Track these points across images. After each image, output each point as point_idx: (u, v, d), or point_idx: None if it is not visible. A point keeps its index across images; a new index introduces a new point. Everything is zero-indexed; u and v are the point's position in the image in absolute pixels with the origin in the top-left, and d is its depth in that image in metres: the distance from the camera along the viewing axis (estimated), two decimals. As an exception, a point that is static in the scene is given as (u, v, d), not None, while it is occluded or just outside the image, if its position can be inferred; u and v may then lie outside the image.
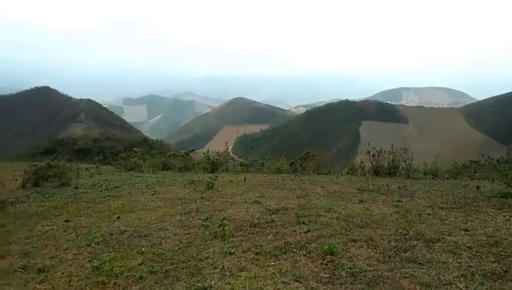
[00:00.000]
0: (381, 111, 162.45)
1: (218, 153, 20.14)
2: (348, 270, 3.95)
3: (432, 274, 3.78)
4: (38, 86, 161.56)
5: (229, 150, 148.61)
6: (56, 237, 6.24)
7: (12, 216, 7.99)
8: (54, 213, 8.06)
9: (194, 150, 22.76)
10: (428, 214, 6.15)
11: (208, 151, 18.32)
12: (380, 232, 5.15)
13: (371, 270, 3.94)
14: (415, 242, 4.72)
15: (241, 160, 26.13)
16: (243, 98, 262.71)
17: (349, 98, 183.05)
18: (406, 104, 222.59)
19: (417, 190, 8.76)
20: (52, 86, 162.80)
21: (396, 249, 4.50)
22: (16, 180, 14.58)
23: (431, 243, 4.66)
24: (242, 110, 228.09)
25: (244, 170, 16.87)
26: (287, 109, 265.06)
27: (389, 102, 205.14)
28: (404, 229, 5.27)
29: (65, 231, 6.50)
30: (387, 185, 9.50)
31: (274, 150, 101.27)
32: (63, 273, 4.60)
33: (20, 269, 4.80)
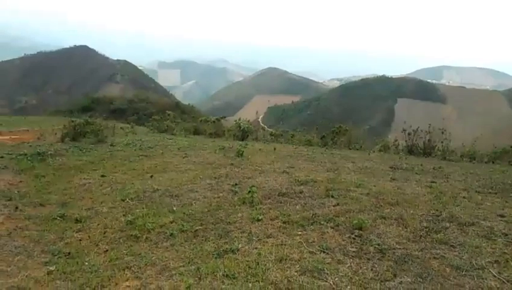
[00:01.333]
0: (420, 89, 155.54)
1: (248, 121, 20.17)
2: (376, 246, 3.91)
3: (464, 258, 3.67)
4: (77, 44, 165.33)
5: (259, 119, 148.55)
6: (92, 190, 6.54)
7: (52, 168, 8.42)
8: (91, 168, 8.43)
9: (225, 117, 22.95)
10: (464, 197, 5.94)
11: (239, 119, 18.39)
12: (411, 212, 5.04)
13: (399, 249, 3.88)
14: (448, 224, 4.58)
15: (271, 130, 26.12)
16: (276, 68, 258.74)
17: (386, 75, 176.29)
18: (447, 84, 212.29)
19: (453, 172, 8.47)
20: (91, 46, 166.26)
21: (427, 230, 4.39)
22: (56, 134, 15.28)
23: (464, 227, 4.51)
24: (274, 80, 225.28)
25: (274, 140, 16.88)
26: (321, 81, 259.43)
27: (428, 80, 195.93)
28: (437, 210, 5.12)
29: (101, 185, 6.80)
30: (421, 165, 9.24)
31: (304, 123, 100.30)
32: (98, 224, 4.85)
33: (58, 218, 5.09)
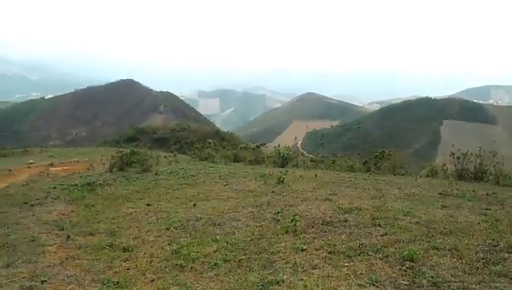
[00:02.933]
0: (466, 110, 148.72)
1: (288, 147, 20.15)
2: (430, 279, 3.69)
3: (527, 292, 3.38)
4: (124, 78, 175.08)
5: (298, 145, 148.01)
6: (139, 219, 6.73)
7: (101, 197, 8.79)
8: (137, 197, 8.72)
9: (264, 144, 23.09)
10: (522, 225, 5.51)
11: (278, 146, 18.43)
12: (466, 242, 4.74)
13: (455, 282, 3.64)
14: (507, 255, 4.26)
15: (311, 156, 25.90)
16: (314, 93, 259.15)
17: (429, 96, 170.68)
18: (495, 104, 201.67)
19: (508, 198, 7.92)
20: (136, 80, 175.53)
21: (484, 261, 4.11)
22: (104, 164, 16.04)
23: (525, 258, 4.17)
24: (312, 105, 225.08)
25: (315, 166, 16.69)
26: (360, 105, 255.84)
27: (475, 100, 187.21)
28: (493, 239, 4.79)
29: (147, 214, 6.98)
30: (473, 190, 8.72)
31: (345, 148, 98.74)
32: (145, 253, 4.95)
33: (107, 247, 5.25)
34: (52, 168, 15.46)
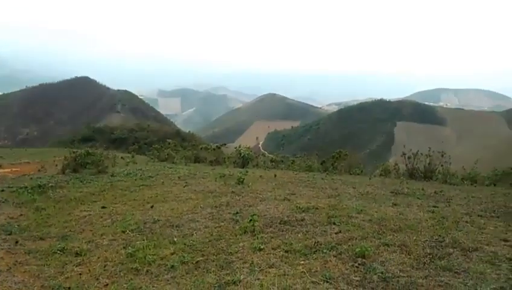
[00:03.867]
0: (418, 112, 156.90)
1: (249, 148, 20.25)
2: (380, 274, 3.85)
3: (469, 284, 3.62)
4: (78, 76, 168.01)
5: (260, 145, 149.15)
6: (93, 222, 6.50)
7: (53, 200, 8.38)
8: (91, 199, 8.40)
9: (225, 144, 23.06)
10: (466, 222, 5.90)
11: (239, 146, 18.48)
12: (414, 238, 5.00)
13: (404, 276, 3.82)
14: (451, 250, 4.53)
15: (271, 156, 26.18)
16: (275, 94, 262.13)
17: (384, 98, 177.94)
18: (445, 106, 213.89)
19: (454, 196, 8.44)
20: (91, 77, 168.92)
21: (431, 256, 4.35)
22: (56, 165, 15.31)
23: (468, 252, 4.47)
24: (274, 106, 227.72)
25: (275, 166, 16.89)
26: (320, 106, 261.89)
27: (426, 103, 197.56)
28: (439, 236, 5.08)
29: (101, 217, 6.75)
30: (422, 189, 9.21)
31: (305, 148, 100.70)
32: (98, 257, 4.79)
33: (58, 252, 5.02)
34: (0, 170, 14.56)
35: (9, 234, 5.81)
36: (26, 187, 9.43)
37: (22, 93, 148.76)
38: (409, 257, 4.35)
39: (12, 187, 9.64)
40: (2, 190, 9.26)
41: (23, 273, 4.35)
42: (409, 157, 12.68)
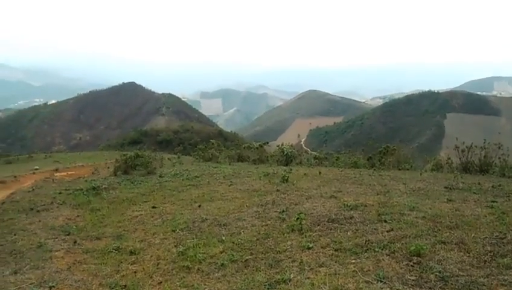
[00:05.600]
0: (469, 102, 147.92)
1: (291, 145, 20.13)
2: (437, 273, 3.67)
3: (537, 284, 3.35)
4: (125, 81, 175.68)
5: (302, 142, 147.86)
6: (144, 221, 6.75)
7: (106, 201, 8.82)
8: (142, 199, 8.74)
9: (267, 143, 23.08)
10: (530, 217, 5.47)
11: (281, 144, 18.41)
12: (472, 235, 4.71)
13: (463, 275, 3.62)
14: (514, 247, 4.23)
15: (314, 153, 25.85)
16: (315, 90, 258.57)
17: (432, 89, 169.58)
18: (498, 95, 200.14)
19: (515, 190, 7.86)
20: (138, 82, 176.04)
21: (492, 254, 4.09)
22: (108, 168, 16.12)
23: (533, 249, 4.15)
24: (315, 102, 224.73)
25: (319, 164, 16.65)
26: (363, 101, 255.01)
27: (478, 93, 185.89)
28: (500, 232, 4.76)
29: (152, 217, 7.00)
30: (479, 183, 8.67)
31: (348, 144, 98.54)
32: (151, 256, 4.96)
33: (114, 251, 5.26)
34: (57, 174, 15.55)
35: (68, 235, 6.18)
36: (82, 189, 10.00)
37: (73, 101, 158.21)
38: (467, 255, 4.12)
39: (69, 190, 10.27)
40: (60, 193, 9.89)
41: (82, 272, 4.59)
42: (462, 151, 11.97)
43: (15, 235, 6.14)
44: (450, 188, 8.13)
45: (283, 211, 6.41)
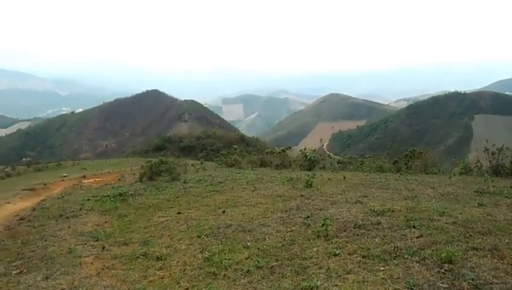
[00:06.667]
0: (498, 103, 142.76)
1: (314, 150, 19.96)
2: (471, 281, 3.54)
3: None
4: (149, 89, 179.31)
5: (324, 147, 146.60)
6: (170, 227, 6.82)
7: (133, 207, 8.97)
8: (168, 205, 8.85)
9: (290, 148, 22.99)
10: None
11: (304, 149, 18.30)
12: (506, 241, 4.54)
13: (497, 283, 3.49)
14: (550, 253, 4.04)
15: (338, 157, 25.56)
16: (338, 94, 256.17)
17: (458, 90, 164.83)
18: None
19: (550, 194, 7.51)
20: (160, 89, 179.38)
21: (527, 261, 3.91)
22: (134, 174, 16.44)
23: None
24: (337, 106, 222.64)
25: (342, 168, 16.44)
26: (386, 103, 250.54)
27: (507, 93, 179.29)
28: (536, 238, 4.56)
29: (178, 222, 7.07)
30: (511, 187, 8.35)
31: (372, 148, 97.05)
32: (178, 261, 5.00)
33: (141, 256, 5.33)
34: (85, 181, 15.99)
35: (96, 240, 6.31)
36: (109, 196, 10.22)
37: (99, 109, 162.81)
38: (501, 261, 3.97)
39: (96, 196, 10.52)
40: (88, 199, 10.15)
41: (110, 277, 4.67)
42: (492, 153, 11.55)
43: (46, 241, 6.33)
44: (481, 192, 7.86)
45: (308, 217, 6.35)
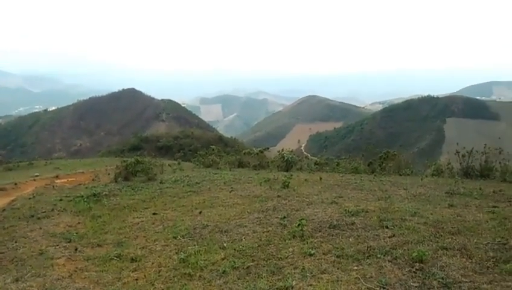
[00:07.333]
0: (469, 107, 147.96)
1: (291, 151, 20.11)
2: (440, 280, 3.67)
3: (541, 291, 3.35)
4: (125, 88, 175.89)
5: (302, 148, 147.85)
6: (145, 228, 6.73)
7: (107, 208, 8.80)
8: (143, 206, 8.72)
9: (268, 148, 23.05)
10: (531, 222, 5.46)
11: (282, 150, 18.41)
12: (475, 241, 4.71)
13: (466, 282, 3.62)
14: (517, 253, 4.22)
15: (315, 159, 25.84)
16: (315, 95, 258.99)
17: (431, 94, 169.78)
18: (498, 100, 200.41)
19: (516, 195, 7.85)
20: (138, 88, 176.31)
21: (494, 260, 4.09)
22: (109, 174, 16.10)
23: (535, 255, 4.14)
24: (314, 108, 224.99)
25: (319, 169, 16.63)
26: (362, 106, 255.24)
27: (477, 97, 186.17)
28: (502, 238, 4.76)
29: (153, 223, 6.99)
30: (480, 188, 8.66)
31: (348, 149, 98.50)
32: (153, 263, 4.94)
33: (115, 258, 5.26)
34: (57, 181, 15.52)
35: (69, 242, 6.16)
36: (82, 196, 9.97)
37: (73, 107, 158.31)
38: (470, 261, 4.12)
39: (69, 197, 10.25)
40: (61, 200, 9.87)
41: (83, 279, 4.58)
42: (463, 155, 11.95)
43: (16, 242, 6.13)
44: (451, 194, 8.12)
45: (284, 217, 6.40)
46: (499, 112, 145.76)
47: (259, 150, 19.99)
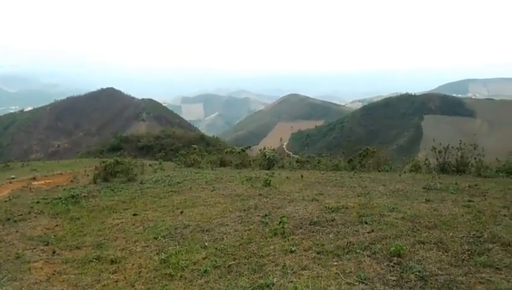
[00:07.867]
0: (446, 104, 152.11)
1: (273, 149, 20.17)
2: (417, 273, 3.75)
3: (512, 280, 3.47)
4: (104, 87, 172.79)
5: (284, 146, 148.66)
6: (125, 229, 6.64)
7: (86, 209, 8.63)
8: (123, 207, 8.60)
9: (249, 147, 23.06)
10: (504, 215, 5.64)
11: (263, 148, 18.46)
12: (450, 234, 4.83)
13: (442, 274, 3.71)
14: (491, 245, 4.36)
15: (296, 156, 26.02)
16: (296, 94, 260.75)
17: (409, 92, 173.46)
18: (473, 97, 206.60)
19: (490, 189, 8.09)
20: (117, 88, 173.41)
21: (469, 253, 4.20)
22: (88, 175, 15.78)
23: (508, 247, 4.28)
24: (296, 106, 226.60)
25: (301, 167, 16.74)
26: (343, 104, 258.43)
27: (454, 95, 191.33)
28: (477, 231, 4.89)
29: (133, 224, 6.90)
30: (456, 183, 8.90)
31: (330, 147, 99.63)
32: (133, 264, 4.88)
33: (94, 260, 5.17)
34: (34, 182, 15.11)
35: (46, 245, 6.03)
36: (60, 198, 9.75)
37: (51, 108, 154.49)
38: (446, 254, 4.22)
39: (47, 199, 9.99)
40: (38, 202, 9.62)
41: (61, 282, 4.49)
42: (439, 152, 12.25)
43: (-9, 246, 5.95)
44: (428, 189, 8.31)
45: (266, 215, 6.43)
46: (474, 109, 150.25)
47: (241, 149, 19.98)
